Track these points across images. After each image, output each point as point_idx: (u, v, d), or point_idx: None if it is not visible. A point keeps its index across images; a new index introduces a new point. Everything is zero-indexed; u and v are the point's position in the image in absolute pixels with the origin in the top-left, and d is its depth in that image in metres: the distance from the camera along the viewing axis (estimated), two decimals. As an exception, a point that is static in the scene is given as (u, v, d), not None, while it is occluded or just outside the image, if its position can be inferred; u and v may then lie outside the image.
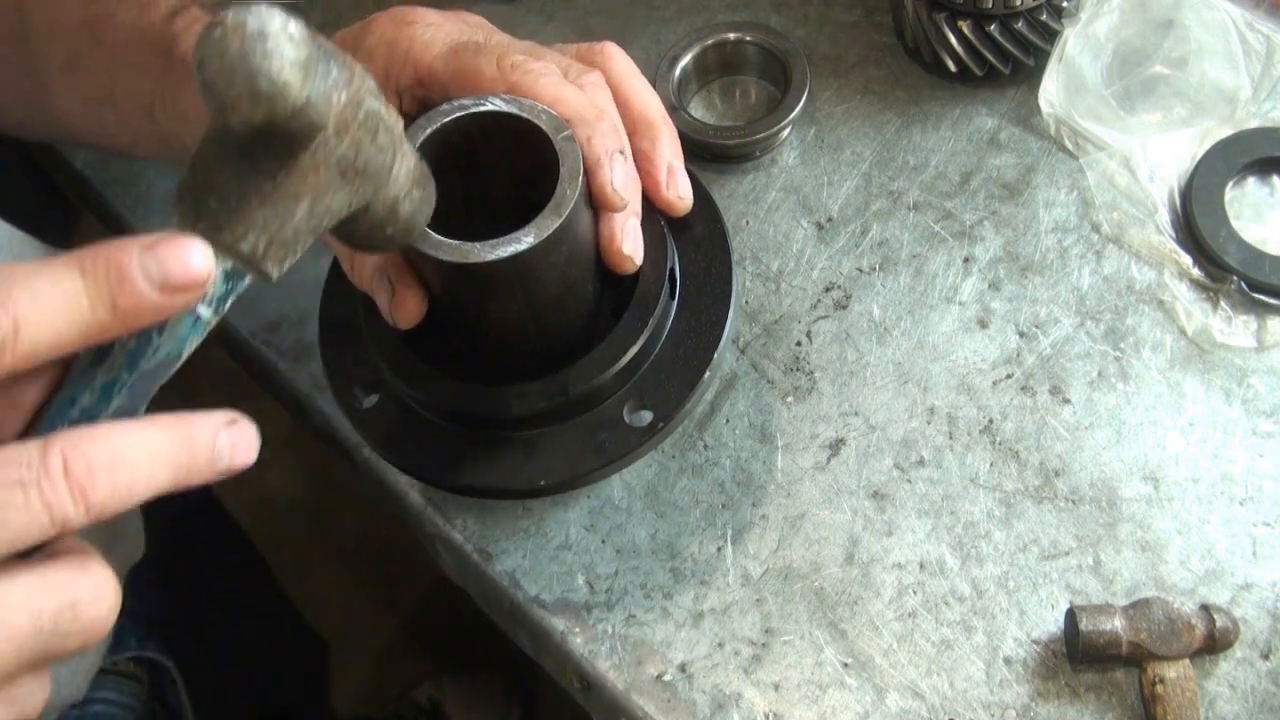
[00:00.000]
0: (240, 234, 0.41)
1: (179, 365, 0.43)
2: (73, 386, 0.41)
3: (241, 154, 0.41)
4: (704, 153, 0.82)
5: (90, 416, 0.41)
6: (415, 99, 0.61)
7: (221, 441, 0.41)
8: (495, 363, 0.61)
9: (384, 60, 0.60)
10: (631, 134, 0.60)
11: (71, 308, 0.38)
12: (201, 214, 0.41)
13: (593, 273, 0.59)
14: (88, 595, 0.39)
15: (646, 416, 0.60)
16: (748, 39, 0.86)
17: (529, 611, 0.70)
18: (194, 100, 0.63)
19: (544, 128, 0.55)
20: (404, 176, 0.48)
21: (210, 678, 0.96)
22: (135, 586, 0.88)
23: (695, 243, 0.64)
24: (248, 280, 0.43)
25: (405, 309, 0.57)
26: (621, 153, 0.58)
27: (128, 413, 0.42)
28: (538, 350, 0.60)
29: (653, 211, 0.61)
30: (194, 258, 0.39)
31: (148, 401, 0.43)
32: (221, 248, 0.41)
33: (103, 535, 0.78)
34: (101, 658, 0.84)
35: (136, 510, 0.87)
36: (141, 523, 0.87)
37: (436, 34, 0.60)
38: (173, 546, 0.95)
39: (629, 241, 0.58)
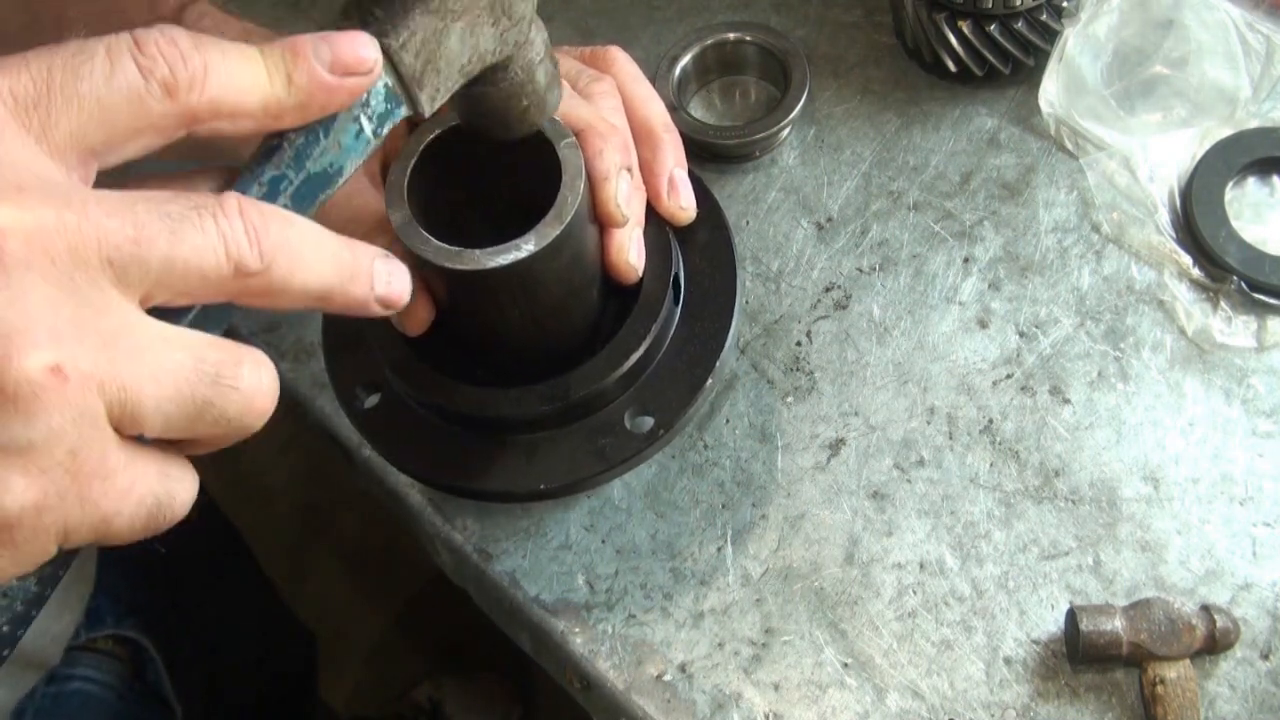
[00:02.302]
0: (404, 39, 0.44)
1: (339, 184, 0.44)
2: (242, 182, 0.42)
3: None
4: (704, 153, 0.82)
5: None
6: None
7: (379, 266, 0.43)
8: (497, 366, 0.61)
9: None
10: (634, 142, 0.61)
11: (252, 71, 0.40)
12: (367, 21, 0.43)
13: (596, 278, 0.60)
14: (250, 360, 0.39)
15: (648, 422, 0.60)
16: (748, 39, 0.86)
17: (529, 611, 0.70)
18: None
19: (547, 134, 0.55)
20: (540, 42, 0.51)
21: (191, 660, 0.96)
22: (113, 564, 0.89)
23: (700, 249, 0.64)
24: (404, 110, 0.45)
25: (415, 317, 0.57)
26: (629, 169, 0.58)
27: (302, 202, 0.43)
28: (540, 355, 0.60)
29: (658, 218, 0.61)
30: (363, 46, 0.42)
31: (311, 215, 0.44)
32: (386, 54, 0.43)
33: None
34: (76, 623, 0.84)
35: None
36: None
37: None
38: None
39: (632, 252, 0.59)
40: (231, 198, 0.38)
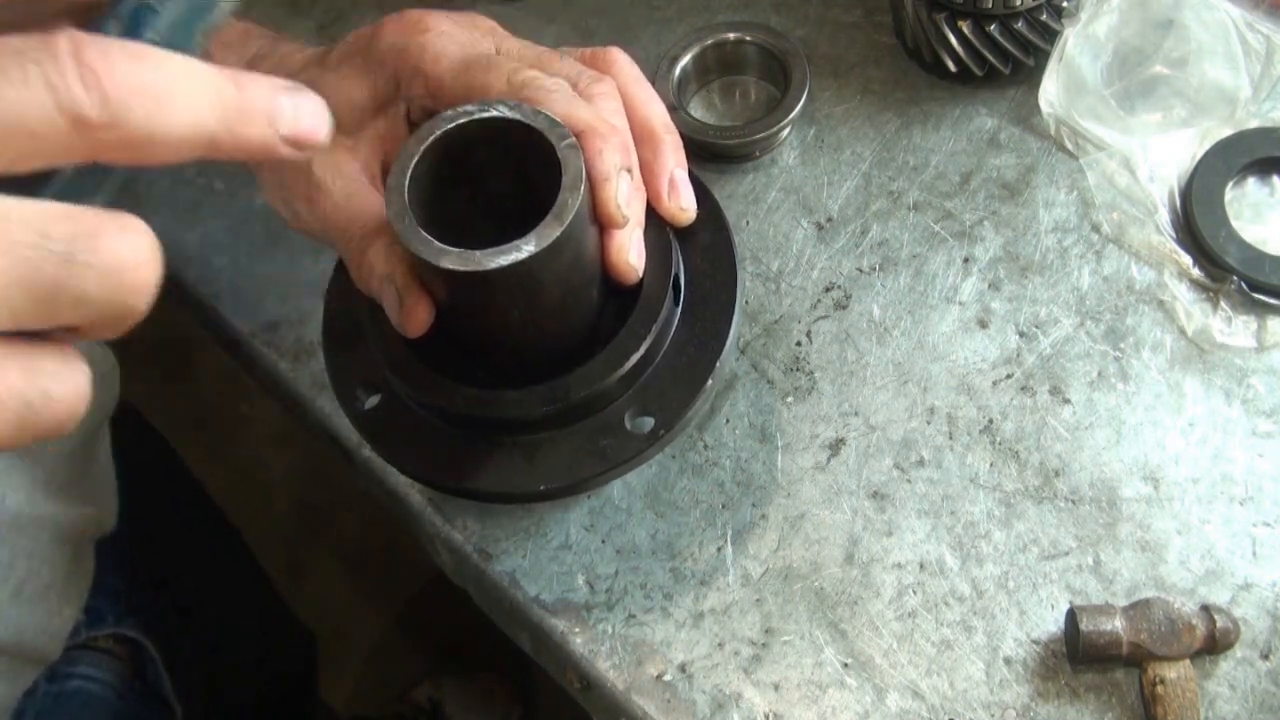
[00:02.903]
0: None
1: (223, 11, 0.37)
2: (98, 20, 0.36)
3: None
4: (704, 153, 0.82)
5: None
6: (422, 107, 0.61)
7: (283, 101, 0.36)
8: (498, 367, 0.61)
9: (393, 68, 0.61)
10: (634, 143, 0.60)
11: None
12: None
13: (596, 279, 0.59)
14: (113, 227, 0.33)
15: (648, 423, 0.60)
16: (748, 39, 0.86)
17: (529, 611, 0.70)
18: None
19: (547, 135, 0.55)
20: None
21: (191, 660, 0.96)
22: (113, 563, 0.89)
23: (701, 249, 0.64)
24: None
25: (415, 318, 0.57)
26: (629, 170, 0.58)
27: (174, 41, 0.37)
28: (540, 355, 0.60)
29: (658, 219, 0.61)
30: None
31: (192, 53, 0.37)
32: None
33: (73, 499, 0.78)
34: (75, 617, 0.84)
35: (110, 478, 0.87)
36: (115, 490, 0.87)
37: (448, 44, 0.60)
38: (152, 526, 0.95)
39: (632, 253, 0.58)
40: (62, 37, 0.32)
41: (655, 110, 0.62)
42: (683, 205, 0.61)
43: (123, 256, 0.33)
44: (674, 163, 0.61)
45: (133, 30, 0.36)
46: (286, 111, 0.37)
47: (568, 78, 0.60)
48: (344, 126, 0.61)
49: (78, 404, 0.35)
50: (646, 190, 0.61)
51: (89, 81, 0.32)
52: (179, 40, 0.36)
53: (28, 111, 0.31)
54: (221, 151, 0.36)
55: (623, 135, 0.58)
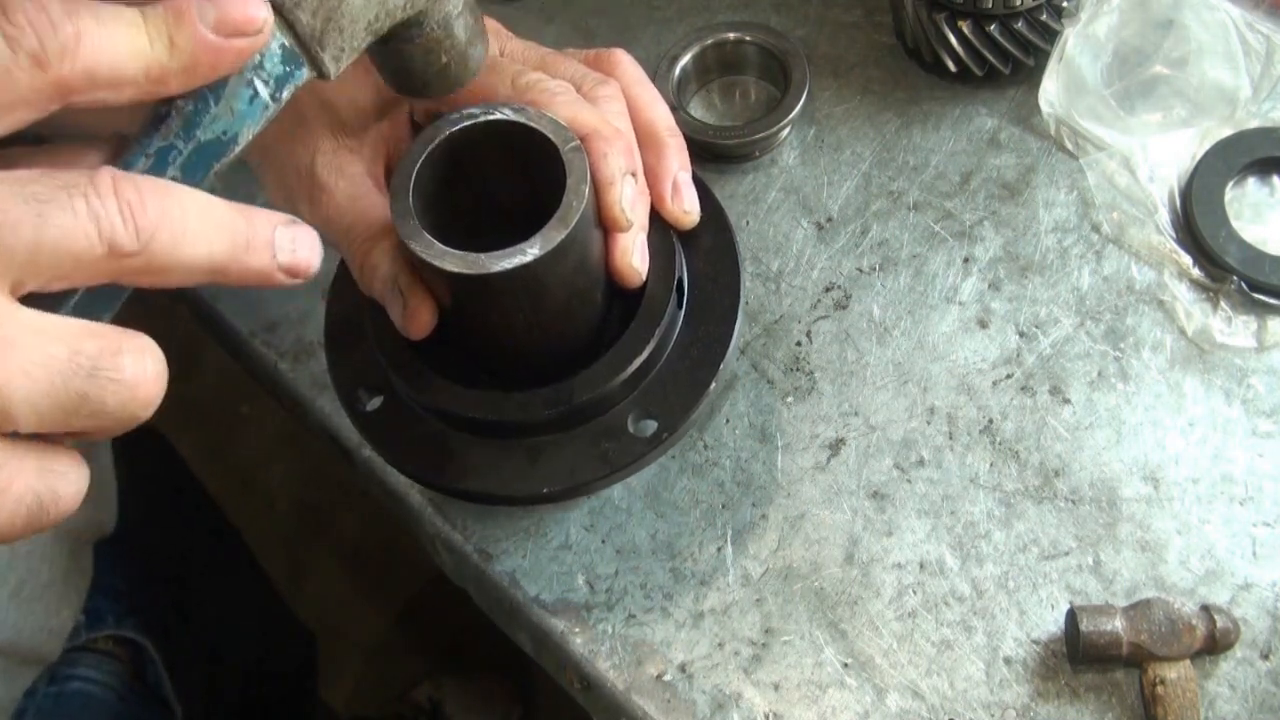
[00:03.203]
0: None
1: (236, 152, 0.42)
2: (129, 155, 0.41)
3: None
4: (704, 153, 0.82)
5: None
6: (427, 112, 0.61)
7: (282, 234, 0.41)
8: (501, 369, 0.61)
9: None
10: (639, 146, 0.60)
11: (131, 36, 0.38)
12: None
13: (600, 282, 0.60)
14: (132, 348, 0.37)
15: (651, 426, 0.60)
16: (748, 39, 0.86)
17: (529, 611, 0.70)
18: None
19: (551, 138, 0.55)
20: None
21: (191, 661, 0.96)
22: (114, 564, 0.89)
23: (704, 253, 0.64)
24: (305, 73, 0.43)
25: (418, 320, 0.57)
26: (633, 174, 0.58)
27: (192, 173, 0.42)
28: (544, 358, 0.60)
29: (662, 222, 0.61)
30: (251, 5, 0.39)
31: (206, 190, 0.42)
32: (279, 12, 0.41)
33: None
34: (74, 618, 0.84)
35: (111, 480, 0.87)
36: (115, 493, 0.87)
37: None
38: (153, 527, 0.95)
39: (636, 256, 0.58)
40: (105, 173, 0.37)
41: (659, 113, 0.62)
42: (686, 209, 0.62)
43: (137, 373, 0.37)
44: (678, 166, 0.61)
45: (159, 165, 0.40)
46: (285, 244, 0.41)
47: (572, 80, 0.60)
48: (348, 128, 0.61)
49: (77, 501, 0.39)
50: (650, 193, 0.61)
51: (126, 216, 0.36)
52: (196, 175, 0.41)
53: (76, 239, 0.35)
54: (226, 278, 0.40)
55: (627, 139, 0.59)
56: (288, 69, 0.43)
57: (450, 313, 0.58)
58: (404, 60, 0.51)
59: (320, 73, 0.44)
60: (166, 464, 1.14)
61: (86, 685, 0.85)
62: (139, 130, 0.41)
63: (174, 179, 0.40)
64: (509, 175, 0.58)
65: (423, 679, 1.73)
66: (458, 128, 0.55)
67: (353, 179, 0.61)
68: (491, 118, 0.55)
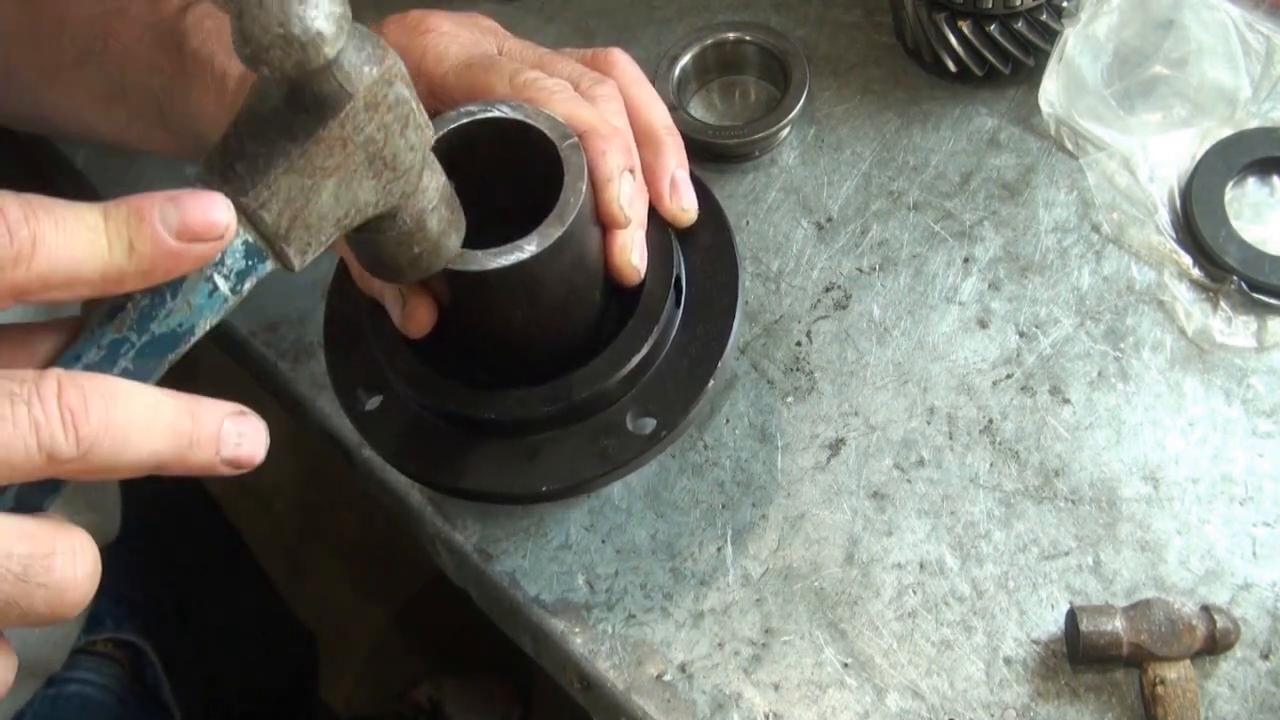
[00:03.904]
0: (264, 199, 0.41)
1: (191, 343, 0.42)
2: (81, 342, 0.40)
3: (270, 123, 0.41)
4: (704, 153, 0.82)
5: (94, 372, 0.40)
6: (425, 108, 0.61)
7: (228, 427, 0.41)
8: (499, 367, 0.61)
9: None
10: (636, 144, 0.60)
11: (91, 241, 0.37)
12: (227, 178, 0.41)
13: (598, 279, 0.59)
14: (65, 549, 0.38)
15: (650, 424, 0.60)
16: (747, 39, 0.86)
17: (529, 611, 0.70)
18: (204, 95, 0.63)
19: (549, 135, 0.55)
20: (433, 189, 0.48)
21: (191, 663, 0.96)
22: (113, 566, 0.89)
23: (702, 250, 0.64)
24: (269, 265, 0.42)
25: (417, 319, 0.57)
26: (631, 171, 0.58)
27: (142, 375, 0.41)
28: (542, 356, 0.60)
29: (660, 220, 0.61)
30: (215, 210, 0.39)
31: (155, 381, 0.42)
32: (244, 212, 0.41)
33: (77, 505, 0.78)
34: (79, 629, 0.84)
35: (114, 486, 0.87)
36: (119, 498, 0.87)
37: (450, 45, 0.60)
38: (152, 528, 0.95)
39: (634, 253, 0.58)
40: (51, 379, 0.36)
41: (657, 111, 0.62)
42: (684, 206, 0.62)
43: (68, 575, 0.37)
44: (675, 164, 0.61)
45: (109, 358, 0.40)
46: (231, 440, 0.41)
47: (569, 79, 0.60)
48: None
49: (6, 690, 0.39)
50: (648, 191, 0.61)
51: (68, 424, 0.36)
52: (148, 367, 0.41)
53: (14, 448, 0.35)
54: (169, 471, 0.40)
55: (625, 136, 0.59)
56: (250, 263, 0.42)
57: (449, 311, 0.58)
58: (376, 248, 0.49)
59: (285, 266, 0.43)
60: None
61: (85, 688, 0.85)
62: (94, 317, 0.41)
63: (125, 371, 0.40)
64: (507, 173, 0.58)
65: (423, 679, 1.73)
66: (455, 125, 0.55)
67: None
68: (489, 115, 0.55)
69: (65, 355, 0.41)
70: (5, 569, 0.36)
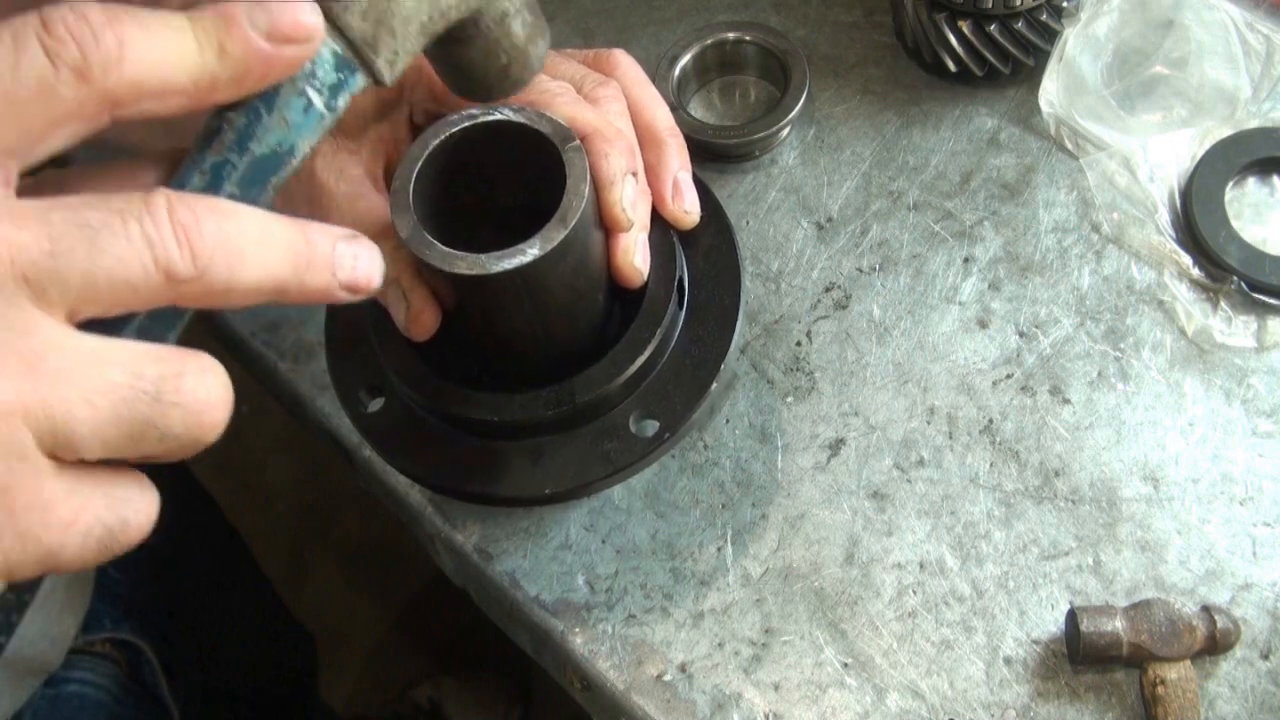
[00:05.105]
0: (347, 2, 0.40)
1: (293, 165, 0.41)
2: (183, 172, 0.40)
3: None
4: (704, 153, 0.82)
5: None
6: (426, 111, 0.62)
7: (343, 249, 0.39)
8: (502, 370, 0.61)
9: None
10: (639, 146, 0.60)
11: (178, 43, 0.36)
12: None
13: (601, 282, 0.60)
14: (194, 370, 0.37)
15: (652, 426, 0.60)
16: (747, 39, 0.86)
17: (529, 611, 0.70)
18: None
19: (551, 138, 0.55)
20: None
21: (188, 661, 0.96)
22: (111, 566, 0.89)
23: (704, 253, 0.64)
24: (360, 79, 0.42)
25: (421, 322, 0.57)
26: (634, 173, 0.58)
27: (250, 188, 0.41)
28: (545, 358, 0.60)
29: (662, 222, 0.61)
30: (303, 12, 0.38)
31: (264, 206, 0.40)
32: (329, 17, 0.40)
33: None
34: (77, 627, 0.84)
35: None
36: None
37: None
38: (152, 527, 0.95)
39: (637, 256, 0.58)
40: (160, 196, 0.35)
41: (660, 113, 0.62)
42: (687, 208, 0.62)
43: (201, 397, 0.37)
44: (678, 165, 0.61)
45: (214, 182, 0.39)
46: (346, 260, 0.39)
47: (571, 80, 0.60)
48: (347, 129, 0.61)
49: (147, 529, 0.38)
50: (651, 193, 0.61)
51: (182, 240, 0.35)
52: (253, 191, 0.40)
53: (131, 267, 0.35)
54: (287, 298, 0.39)
55: (628, 138, 0.59)
56: (342, 76, 0.41)
57: (453, 314, 0.58)
58: (462, 61, 0.50)
59: (375, 79, 0.43)
60: (166, 465, 1.14)
61: (82, 688, 0.85)
62: (194, 144, 0.40)
63: (231, 196, 0.39)
64: (509, 176, 0.58)
65: (423, 679, 1.73)
66: (458, 129, 0.55)
67: (353, 180, 0.61)
68: (491, 119, 0.55)
69: (170, 184, 0.39)
70: (138, 390, 0.35)
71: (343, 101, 0.42)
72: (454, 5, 0.45)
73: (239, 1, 0.38)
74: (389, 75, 0.43)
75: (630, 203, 0.57)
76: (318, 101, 0.41)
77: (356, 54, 0.42)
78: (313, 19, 0.38)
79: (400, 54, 0.43)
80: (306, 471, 1.97)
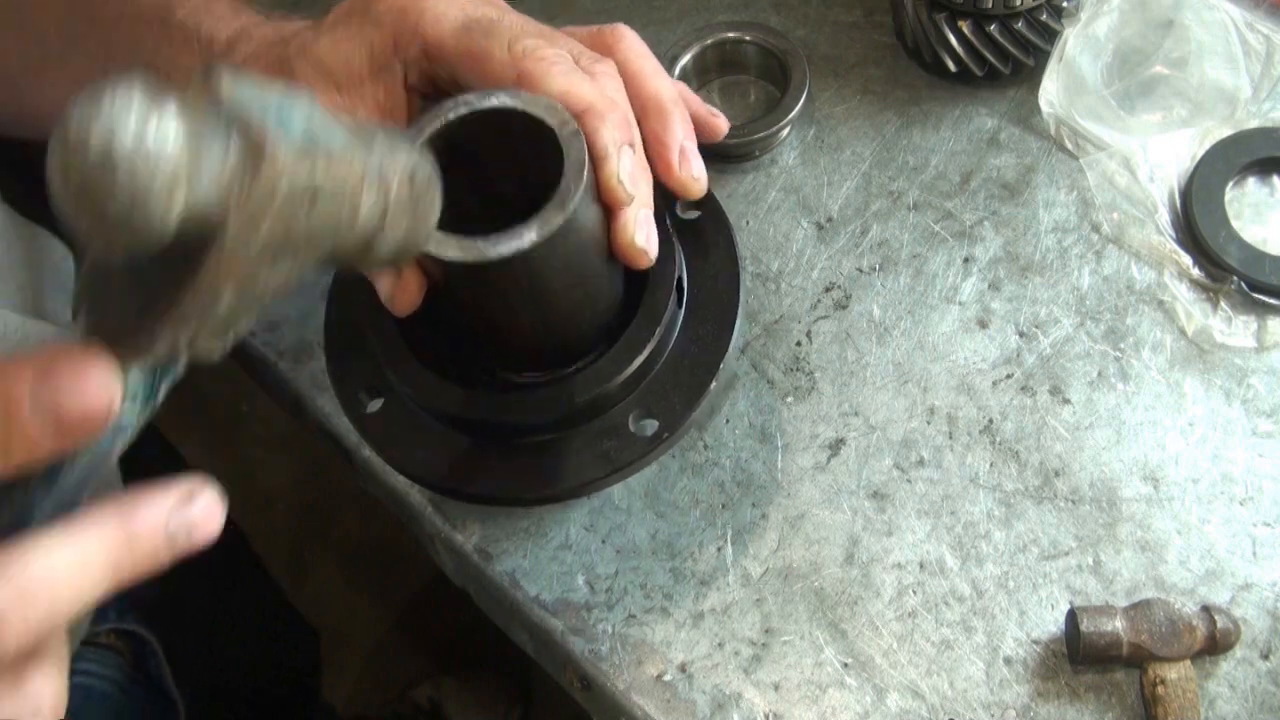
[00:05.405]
0: (148, 343, 0.35)
1: (119, 448, 0.39)
2: None
3: (138, 264, 0.35)
4: (704, 152, 0.82)
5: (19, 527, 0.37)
6: (421, 72, 0.59)
7: (175, 525, 0.37)
8: (501, 368, 0.61)
9: (392, 29, 0.59)
10: (643, 117, 0.59)
11: None
12: (103, 324, 0.36)
13: (601, 271, 0.59)
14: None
15: (652, 426, 0.60)
16: (748, 39, 0.85)
17: (529, 611, 0.70)
18: (190, 59, 0.62)
19: (549, 122, 0.54)
20: (372, 213, 0.39)
21: (194, 654, 0.96)
22: None
23: (703, 251, 0.63)
24: (182, 365, 0.38)
25: (407, 293, 0.56)
26: (630, 145, 0.56)
27: (64, 508, 0.38)
28: (544, 354, 0.60)
29: (662, 218, 0.61)
30: (94, 390, 0.34)
31: (88, 491, 0.38)
32: (131, 357, 0.35)
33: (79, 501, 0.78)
34: (88, 618, 0.84)
35: (116, 478, 0.87)
36: (121, 487, 0.87)
37: (449, 8, 0.58)
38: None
39: (641, 233, 0.56)
40: None
41: (663, 84, 0.60)
42: (694, 174, 0.59)
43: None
44: (684, 134, 0.59)
45: (22, 518, 0.37)
46: (180, 537, 0.37)
47: (569, 54, 0.59)
48: (341, 87, 0.59)
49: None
50: (657, 163, 0.59)
51: None
52: (76, 499, 0.38)
53: None
54: (124, 586, 0.37)
55: (623, 110, 0.57)
56: (158, 375, 0.38)
57: (449, 305, 0.57)
58: (336, 264, 0.43)
59: (202, 360, 0.38)
60: (166, 464, 1.14)
61: (86, 679, 0.85)
62: None
63: (48, 516, 0.37)
64: (507, 162, 0.57)
65: (423, 679, 1.73)
66: (454, 115, 0.54)
67: None
68: (487, 105, 0.54)
69: None
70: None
71: (164, 390, 0.38)
72: (291, 274, 0.37)
73: (21, 369, 0.34)
74: (220, 353, 0.38)
75: (628, 175, 0.55)
76: (129, 415, 0.37)
77: (169, 360, 0.37)
78: (105, 396, 0.35)
79: (229, 333, 0.38)
80: (306, 471, 1.97)
